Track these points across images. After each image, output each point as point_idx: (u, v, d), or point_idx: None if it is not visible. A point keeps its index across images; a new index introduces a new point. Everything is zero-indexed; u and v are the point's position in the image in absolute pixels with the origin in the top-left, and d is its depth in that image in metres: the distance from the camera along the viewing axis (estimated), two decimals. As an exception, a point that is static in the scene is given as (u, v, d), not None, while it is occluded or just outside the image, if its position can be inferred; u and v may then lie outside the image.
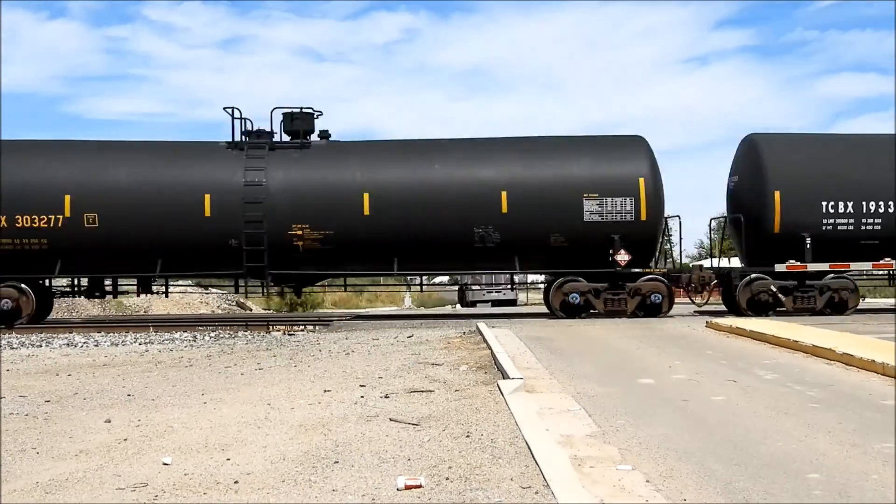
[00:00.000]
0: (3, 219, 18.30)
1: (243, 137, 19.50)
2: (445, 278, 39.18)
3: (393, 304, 38.43)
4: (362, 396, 8.13)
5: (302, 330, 18.63)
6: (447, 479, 5.00)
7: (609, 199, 18.56)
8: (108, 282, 20.69)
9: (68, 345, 15.21)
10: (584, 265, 18.79)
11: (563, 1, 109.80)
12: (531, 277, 33.27)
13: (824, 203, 18.82)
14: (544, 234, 18.58)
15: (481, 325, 15.51)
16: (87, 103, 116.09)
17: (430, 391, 8.36)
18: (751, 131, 20.69)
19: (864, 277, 21.21)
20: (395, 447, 5.88)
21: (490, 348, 11.47)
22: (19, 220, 18.30)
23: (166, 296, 23.33)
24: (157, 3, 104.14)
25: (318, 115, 19.85)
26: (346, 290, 26.25)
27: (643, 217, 18.61)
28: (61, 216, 18.34)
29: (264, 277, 19.40)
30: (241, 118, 19.47)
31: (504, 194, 18.51)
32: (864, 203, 18.83)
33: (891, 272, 20.08)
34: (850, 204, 18.81)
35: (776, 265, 18.91)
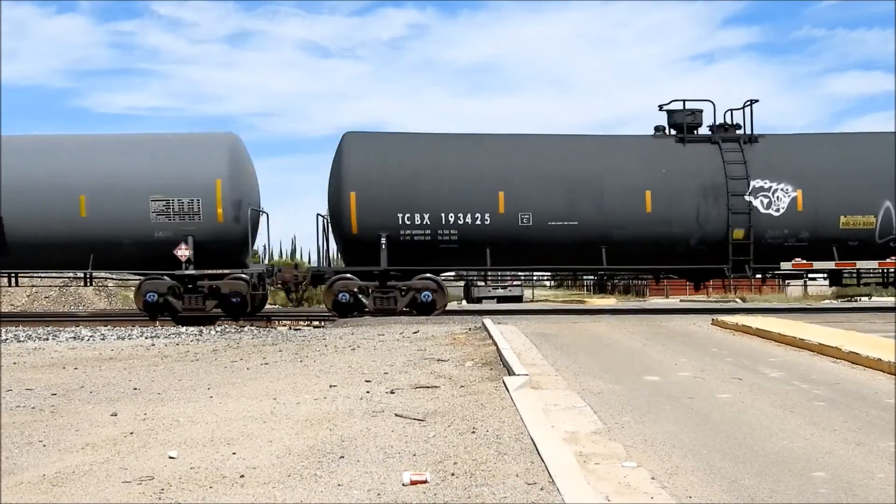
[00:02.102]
0: None
1: None
2: (451, 273, 39.16)
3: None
4: (368, 392, 8.14)
5: (308, 325, 18.67)
6: (452, 474, 5.00)
7: (177, 200, 18.53)
8: None
9: (75, 338, 15.27)
10: (161, 266, 18.82)
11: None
12: (536, 274, 33.23)
13: (399, 208, 18.67)
14: (119, 238, 18.61)
15: (487, 321, 15.51)
16: (94, 97, 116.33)
17: (436, 387, 8.37)
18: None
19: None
20: (401, 442, 5.89)
21: (496, 344, 11.47)
22: None
23: None
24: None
25: None
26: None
27: (220, 218, 18.59)
28: None
29: None
30: None
31: (83, 197, 18.53)
32: (439, 211, 18.72)
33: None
34: (425, 211, 18.70)
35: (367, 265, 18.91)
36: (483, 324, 15.15)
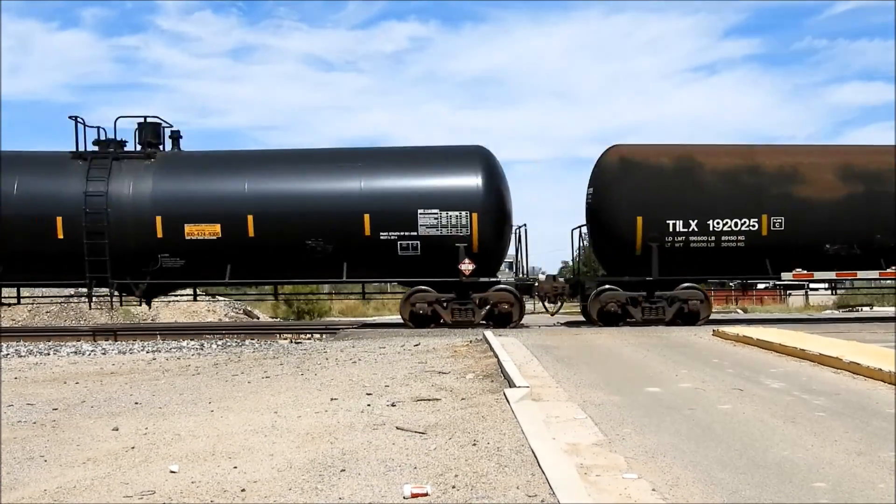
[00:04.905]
0: None
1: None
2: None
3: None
4: (369, 405, 8.14)
5: (309, 338, 18.67)
6: (453, 487, 5.01)
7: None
8: None
9: (76, 353, 15.27)
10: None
11: (573, 10, 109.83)
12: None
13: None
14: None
15: (488, 333, 15.52)
16: (97, 112, 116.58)
17: (437, 399, 8.37)
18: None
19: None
20: (402, 455, 5.89)
21: (496, 357, 11.47)
22: None
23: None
24: (169, 13, 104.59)
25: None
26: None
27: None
28: None
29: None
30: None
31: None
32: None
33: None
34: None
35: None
36: (484, 336, 15.15)
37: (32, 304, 27.18)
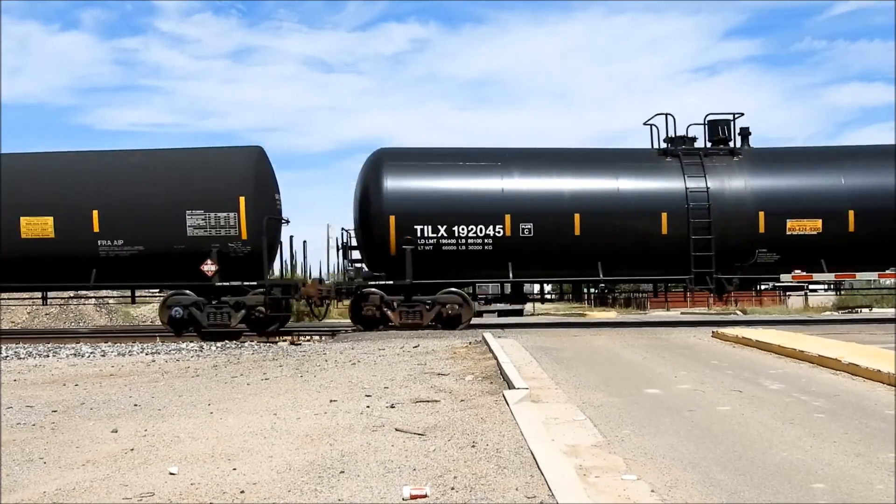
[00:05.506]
0: None
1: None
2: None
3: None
4: (368, 406, 8.14)
5: (308, 340, 18.66)
6: (452, 488, 5.01)
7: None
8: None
9: (75, 355, 15.27)
10: None
11: (573, 11, 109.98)
12: (526, 287, 33.21)
13: None
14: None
15: (487, 335, 15.51)
16: (97, 114, 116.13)
17: (436, 401, 8.37)
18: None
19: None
20: (401, 457, 5.89)
21: (496, 358, 11.47)
22: None
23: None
24: (169, 15, 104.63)
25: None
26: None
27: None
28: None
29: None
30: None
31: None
32: None
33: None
34: None
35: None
36: (483, 337, 15.14)
37: (32, 305, 27.22)
